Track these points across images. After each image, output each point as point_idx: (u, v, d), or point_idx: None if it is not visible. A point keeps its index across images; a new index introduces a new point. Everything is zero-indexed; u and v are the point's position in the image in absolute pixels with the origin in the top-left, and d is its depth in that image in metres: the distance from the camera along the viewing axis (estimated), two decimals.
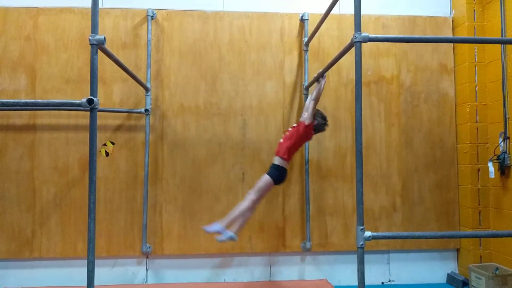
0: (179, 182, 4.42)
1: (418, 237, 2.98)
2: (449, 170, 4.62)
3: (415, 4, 4.76)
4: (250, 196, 3.77)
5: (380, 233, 2.68)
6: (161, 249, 4.38)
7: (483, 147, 4.44)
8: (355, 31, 2.68)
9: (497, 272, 4.06)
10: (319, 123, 3.95)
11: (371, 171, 4.55)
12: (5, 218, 4.26)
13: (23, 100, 2.90)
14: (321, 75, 3.86)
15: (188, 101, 4.48)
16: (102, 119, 4.31)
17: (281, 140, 3.92)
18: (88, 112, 2.59)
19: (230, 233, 3.68)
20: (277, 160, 3.84)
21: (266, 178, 3.78)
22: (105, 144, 4.38)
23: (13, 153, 4.30)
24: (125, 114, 4.42)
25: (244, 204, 3.76)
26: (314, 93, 3.88)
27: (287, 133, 3.94)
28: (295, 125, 4.01)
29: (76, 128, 4.36)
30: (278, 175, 3.80)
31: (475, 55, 4.50)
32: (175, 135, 4.45)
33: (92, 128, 2.60)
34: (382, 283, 4.57)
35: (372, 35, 2.68)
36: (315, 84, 4.05)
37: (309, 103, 3.91)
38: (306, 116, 3.87)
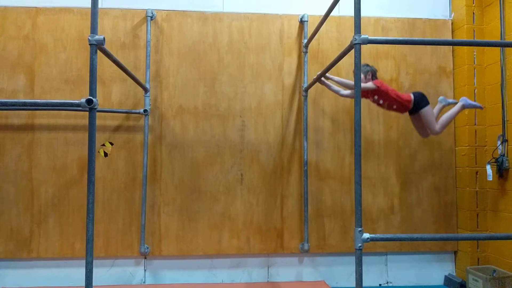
0: (177, 183, 4.42)
1: (416, 239, 2.98)
2: (447, 172, 4.63)
3: (414, 7, 4.77)
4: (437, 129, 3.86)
5: (378, 235, 2.68)
6: (159, 249, 4.37)
7: (481, 149, 4.44)
8: (354, 33, 2.68)
9: (494, 275, 4.06)
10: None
11: (369, 173, 4.55)
12: (3, 218, 4.25)
13: (22, 100, 2.89)
14: (319, 77, 3.87)
15: (187, 102, 4.48)
16: (100, 120, 4.31)
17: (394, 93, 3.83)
18: (87, 113, 2.59)
19: None
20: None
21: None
22: (103, 145, 4.37)
23: (11, 153, 4.29)
24: (124, 114, 4.41)
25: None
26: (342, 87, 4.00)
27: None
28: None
29: (75, 129, 4.36)
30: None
31: (474, 57, 4.51)
32: (174, 136, 4.45)
33: (91, 129, 2.59)
34: (380, 285, 4.57)
35: (371, 37, 2.69)
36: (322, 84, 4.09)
37: (348, 82, 3.89)
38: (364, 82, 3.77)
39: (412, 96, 3.84)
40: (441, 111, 4.08)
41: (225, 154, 4.48)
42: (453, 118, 3.99)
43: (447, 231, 4.58)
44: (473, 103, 4.00)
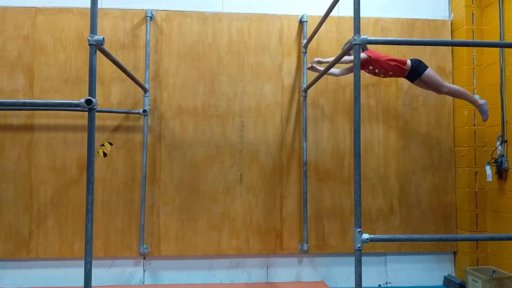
0: (177, 183, 4.42)
1: (416, 239, 2.97)
2: (447, 173, 4.63)
3: (414, 7, 4.77)
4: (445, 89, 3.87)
5: (377, 236, 2.68)
6: (159, 250, 4.37)
7: (480, 150, 4.45)
8: (354, 34, 2.69)
9: (493, 275, 4.06)
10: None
11: (368, 174, 4.55)
12: (2, 218, 4.24)
13: (21, 100, 2.89)
14: (320, 75, 3.84)
15: (186, 103, 4.48)
16: (100, 120, 4.31)
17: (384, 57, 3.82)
18: (86, 113, 2.59)
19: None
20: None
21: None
22: (103, 145, 4.37)
23: (10, 153, 4.29)
24: (123, 115, 4.41)
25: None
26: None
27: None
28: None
29: (74, 129, 4.36)
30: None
31: (474, 58, 4.51)
32: (173, 136, 4.45)
33: (90, 129, 2.59)
34: (379, 285, 4.57)
35: (371, 38, 2.70)
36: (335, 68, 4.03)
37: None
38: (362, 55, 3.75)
39: (409, 60, 3.83)
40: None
41: (225, 154, 4.48)
42: (463, 96, 3.96)
43: (446, 232, 4.58)
44: (486, 111, 3.96)
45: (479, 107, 3.97)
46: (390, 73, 3.85)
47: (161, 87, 4.47)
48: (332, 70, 4.02)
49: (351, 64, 3.94)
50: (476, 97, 4.00)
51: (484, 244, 4.40)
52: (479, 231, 4.41)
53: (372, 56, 3.75)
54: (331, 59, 3.82)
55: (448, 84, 3.92)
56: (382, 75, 3.90)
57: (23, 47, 4.37)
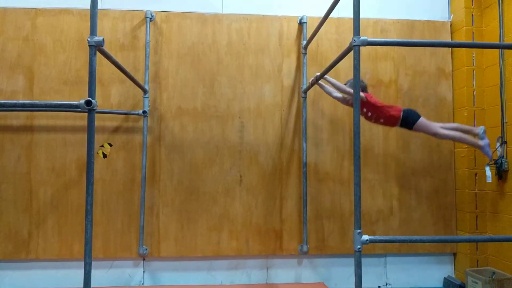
0: (176, 184, 4.42)
1: (415, 241, 2.97)
2: (447, 174, 4.63)
3: (413, 8, 4.77)
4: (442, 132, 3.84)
5: (377, 237, 2.68)
6: (158, 251, 4.37)
7: (480, 151, 4.43)
8: (353, 35, 2.68)
9: (493, 277, 4.06)
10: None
11: (368, 175, 4.55)
12: (2, 219, 4.24)
13: (21, 101, 2.90)
14: (317, 79, 3.88)
15: (186, 104, 4.48)
16: (99, 121, 4.31)
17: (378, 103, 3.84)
18: (86, 114, 2.59)
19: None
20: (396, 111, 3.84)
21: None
22: (102, 146, 4.37)
23: (10, 154, 4.28)
24: (123, 116, 4.41)
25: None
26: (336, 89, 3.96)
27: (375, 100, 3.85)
28: (367, 96, 3.84)
29: (74, 130, 4.36)
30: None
31: (473, 59, 4.51)
32: (173, 137, 4.45)
33: (90, 130, 2.59)
34: (379, 286, 4.56)
35: (370, 39, 2.69)
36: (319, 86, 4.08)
37: (340, 86, 3.90)
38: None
39: (401, 113, 3.82)
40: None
41: (224, 155, 4.48)
42: (462, 141, 3.94)
43: (446, 233, 4.58)
44: (488, 151, 3.90)
45: (482, 149, 3.92)
46: (382, 120, 3.88)
47: (160, 88, 4.47)
48: (330, 90, 4.10)
49: (346, 96, 3.98)
50: (480, 129, 3.92)
51: (484, 245, 4.40)
52: (479, 233, 4.41)
53: (369, 99, 3.78)
54: (333, 80, 3.94)
55: (443, 131, 3.84)
56: (373, 120, 3.93)
57: (23, 48, 4.37)
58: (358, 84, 2.70)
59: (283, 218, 4.49)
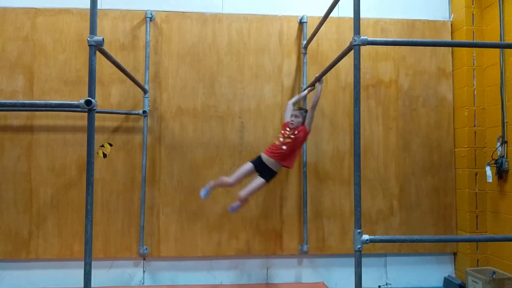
0: (176, 184, 4.41)
1: (416, 240, 2.96)
2: (447, 174, 4.62)
3: (414, 8, 4.77)
4: (243, 197, 3.85)
5: (377, 237, 2.68)
6: (158, 251, 4.37)
7: (481, 151, 4.44)
8: (354, 34, 2.68)
9: (494, 276, 4.06)
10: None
11: (368, 175, 4.55)
12: (2, 219, 4.24)
13: (21, 101, 2.89)
14: (318, 79, 3.86)
15: (186, 104, 4.48)
16: (99, 121, 4.30)
17: (284, 148, 3.80)
18: (86, 114, 2.59)
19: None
20: (277, 168, 3.86)
21: (262, 183, 3.84)
22: (102, 146, 4.37)
23: (10, 154, 4.28)
24: (123, 116, 4.41)
25: (236, 204, 3.92)
26: (313, 101, 3.83)
27: (288, 140, 3.81)
28: (291, 132, 3.84)
29: (74, 130, 4.36)
30: (271, 179, 3.91)
31: (474, 59, 4.51)
32: (173, 137, 4.44)
33: (90, 130, 2.59)
34: (379, 286, 4.56)
35: (370, 39, 2.69)
36: (313, 89, 4.05)
37: (309, 111, 3.86)
38: (308, 123, 3.85)
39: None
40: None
41: (224, 155, 4.47)
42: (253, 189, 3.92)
43: (446, 233, 4.57)
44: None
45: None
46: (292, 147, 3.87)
47: (160, 88, 4.47)
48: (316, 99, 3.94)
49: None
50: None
51: (484, 245, 4.40)
52: (479, 232, 4.41)
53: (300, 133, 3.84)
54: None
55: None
56: (288, 145, 3.86)
57: (23, 48, 4.36)
58: (358, 84, 2.69)
59: (283, 218, 4.49)
